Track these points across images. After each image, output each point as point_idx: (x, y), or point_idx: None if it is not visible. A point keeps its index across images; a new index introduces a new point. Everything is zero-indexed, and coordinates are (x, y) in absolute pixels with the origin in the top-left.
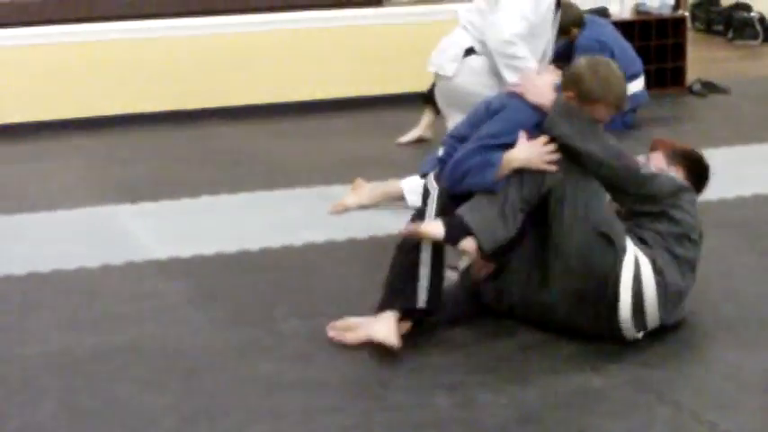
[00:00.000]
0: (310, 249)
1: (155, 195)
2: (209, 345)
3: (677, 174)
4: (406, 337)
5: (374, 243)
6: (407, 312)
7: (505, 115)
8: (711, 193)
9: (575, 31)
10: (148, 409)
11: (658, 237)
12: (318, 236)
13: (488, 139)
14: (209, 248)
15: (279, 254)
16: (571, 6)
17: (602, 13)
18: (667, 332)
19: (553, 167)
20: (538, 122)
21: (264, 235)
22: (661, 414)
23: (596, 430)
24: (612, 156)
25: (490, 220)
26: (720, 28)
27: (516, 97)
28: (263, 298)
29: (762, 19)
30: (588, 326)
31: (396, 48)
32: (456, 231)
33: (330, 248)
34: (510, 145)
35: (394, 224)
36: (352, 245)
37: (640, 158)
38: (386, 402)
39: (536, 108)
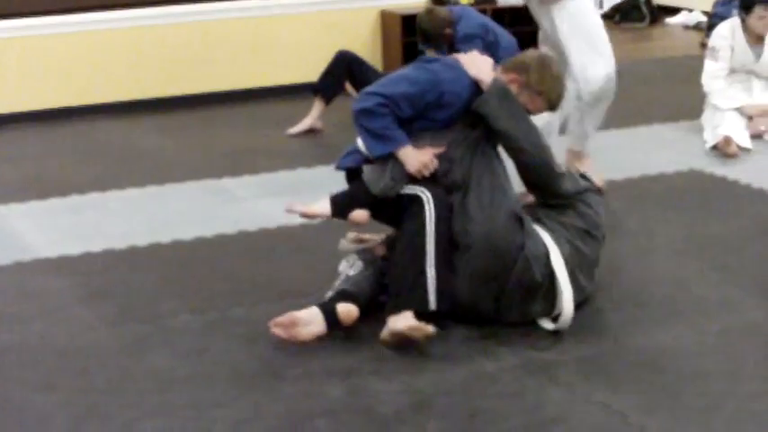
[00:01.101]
0: (200, 243)
1: (41, 194)
2: (99, 342)
3: None
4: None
5: (265, 235)
6: (419, 314)
7: (435, 67)
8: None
9: (449, 31)
10: (39, 409)
11: (563, 228)
12: (208, 230)
13: (404, 84)
14: (97, 246)
15: (168, 249)
16: (433, 11)
17: None
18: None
19: (419, 178)
20: (469, 97)
21: (153, 231)
22: (553, 396)
23: (489, 414)
24: (534, 147)
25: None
26: (607, 11)
27: (458, 66)
28: (153, 294)
29: (648, 1)
30: (492, 309)
31: (281, 39)
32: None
33: (220, 242)
34: (418, 96)
35: (283, 216)
36: (243, 237)
37: None
38: (278, 393)
39: (473, 82)
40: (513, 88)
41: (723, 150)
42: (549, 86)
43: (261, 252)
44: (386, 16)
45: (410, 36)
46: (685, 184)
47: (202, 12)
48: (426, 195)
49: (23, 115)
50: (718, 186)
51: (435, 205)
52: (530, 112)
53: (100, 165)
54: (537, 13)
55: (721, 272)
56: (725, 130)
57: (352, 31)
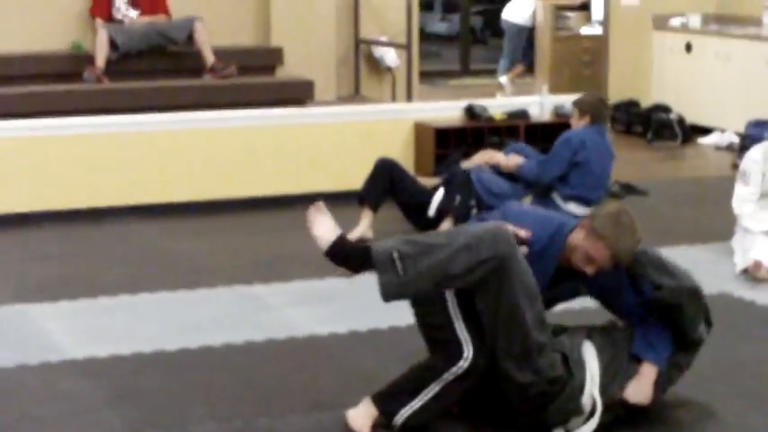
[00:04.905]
0: (229, 350)
1: (71, 294)
2: None
3: None
4: None
5: (292, 343)
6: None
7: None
8: None
9: None
10: None
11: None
12: (237, 336)
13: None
14: (125, 348)
15: (196, 354)
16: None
17: (522, 115)
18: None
19: None
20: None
21: (182, 335)
22: None
23: None
24: None
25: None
26: (640, 129)
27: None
28: (179, 399)
29: (680, 120)
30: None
31: (318, 147)
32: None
33: (248, 349)
34: None
35: (312, 325)
36: (271, 345)
37: None
38: None
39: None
40: (582, 233)
41: (753, 274)
42: (611, 234)
43: (289, 361)
44: (419, 128)
45: (442, 148)
46: (714, 308)
47: (239, 117)
48: (468, 352)
49: (56, 214)
50: (748, 311)
51: (470, 367)
52: (594, 261)
53: (131, 267)
54: None
55: (748, 398)
56: (756, 254)
57: (388, 142)
